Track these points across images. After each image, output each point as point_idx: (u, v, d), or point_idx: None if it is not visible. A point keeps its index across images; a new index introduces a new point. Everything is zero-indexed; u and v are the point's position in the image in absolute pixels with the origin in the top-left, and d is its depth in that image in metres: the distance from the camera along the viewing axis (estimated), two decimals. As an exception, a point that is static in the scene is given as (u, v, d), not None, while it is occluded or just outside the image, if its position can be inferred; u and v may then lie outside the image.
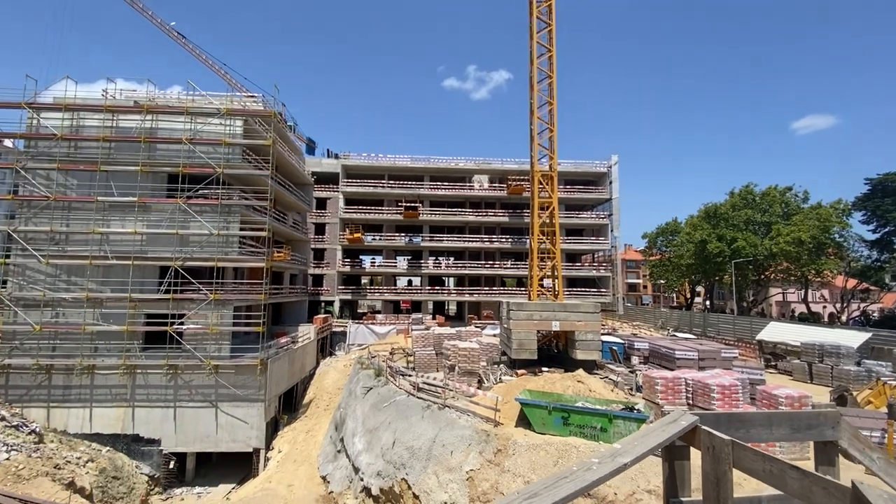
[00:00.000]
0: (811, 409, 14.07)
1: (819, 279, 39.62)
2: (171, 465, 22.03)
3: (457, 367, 16.38)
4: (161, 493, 21.13)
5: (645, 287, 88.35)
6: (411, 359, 21.37)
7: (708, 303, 53.20)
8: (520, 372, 16.81)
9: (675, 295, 75.27)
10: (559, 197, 44.62)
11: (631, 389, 16.50)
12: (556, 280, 20.55)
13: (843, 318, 43.92)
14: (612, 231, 43.65)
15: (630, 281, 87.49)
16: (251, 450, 22.48)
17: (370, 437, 16.13)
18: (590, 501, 9.85)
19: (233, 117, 24.29)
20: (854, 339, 21.35)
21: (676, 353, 17.13)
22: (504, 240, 43.89)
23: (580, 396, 13.12)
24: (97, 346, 22.58)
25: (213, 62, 48.32)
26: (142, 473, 20.88)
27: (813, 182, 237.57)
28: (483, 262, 44.22)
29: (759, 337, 25.26)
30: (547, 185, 20.81)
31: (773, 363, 23.84)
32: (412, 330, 27.08)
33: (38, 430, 15.13)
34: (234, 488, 21.75)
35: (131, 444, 22.06)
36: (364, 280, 55.87)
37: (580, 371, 15.55)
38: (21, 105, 23.10)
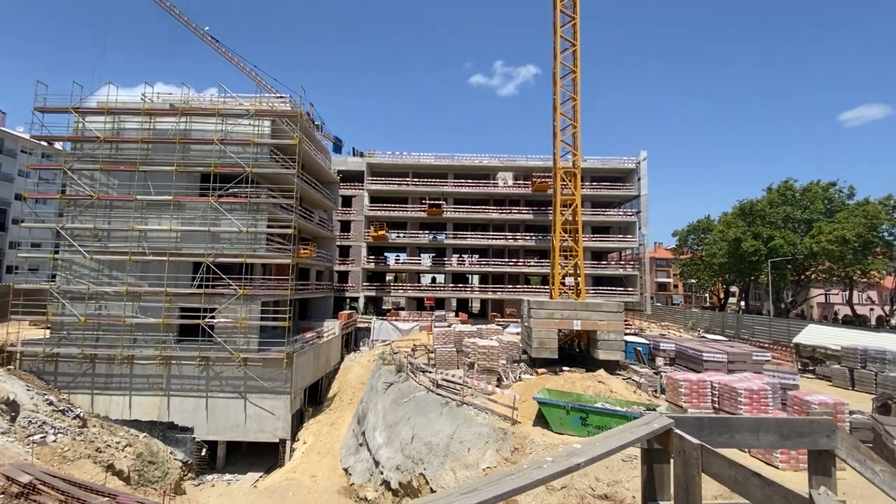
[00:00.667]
0: (848, 416, 13.40)
1: (865, 280, 37.39)
2: (203, 453, 23.03)
3: (476, 365, 16.42)
4: (194, 478, 22.09)
5: (676, 286, 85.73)
6: (432, 355, 21.53)
7: (743, 304, 51.11)
8: (540, 371, 16.69)
9: (708, 295, 72.71)
10: (585, 194, 44.30)
11: (655, 391, 16.11)
12: (579, 278, 20.24)
13: (893, 321, 41.37)
14: (639, 229, 42.56)
15: (660, 280, 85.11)
16: (277, 440, 23.19)
17: (390, 432, 16.40)
18: (607, 503, 9.74)
19: (261, 118, 25.05)
20: (902, 343, 20.12)
21: (704, 355, 16.59)
22: (528, 237, 43.50)
23: (600, 397, 12.93)
24: (136, 337, 23.81)
25: (244, 64, 49.86)
26: (175, 459, 21.93)
27: (862, 177, 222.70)
28: (507, 259, 43.97)
29: (795, 340, 24.14)
30: (570, 181, 20.49)
31: (810, 368, 22.76)
32: (434, 327, 27.27)
33: (82, 414, 16.14)
34: (261, 477, 22.52)
35: (166, 431, 23.18)
36: (389, 277, 56.54)
37: (601, 371, 15.31)
38: (69, 109, 24.56)
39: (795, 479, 10.22)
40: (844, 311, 49.89)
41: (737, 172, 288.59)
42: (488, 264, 43.92)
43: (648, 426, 2.77)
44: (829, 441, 2.95)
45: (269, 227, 24.91)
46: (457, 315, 41.49)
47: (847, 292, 41.35)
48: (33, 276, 37.51)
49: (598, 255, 48.92)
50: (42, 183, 43.37)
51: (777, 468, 10.55)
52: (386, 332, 38.49)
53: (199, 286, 23.65)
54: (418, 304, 48.85)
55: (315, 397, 29.15)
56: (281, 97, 31.17)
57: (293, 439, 23.79)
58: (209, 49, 47.26)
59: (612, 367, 16.94)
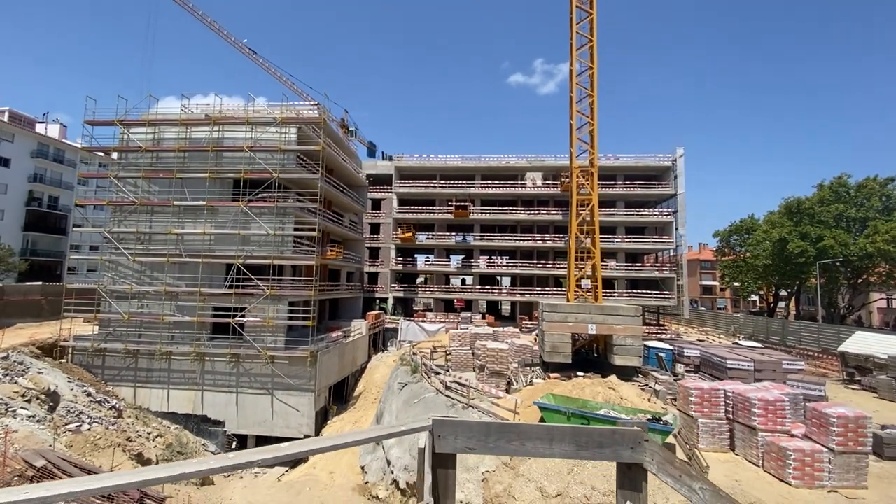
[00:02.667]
0: (881, 430, 12.33)
1: (928, 283, 34.02)
2: (233, 446, 24.16)
3: (486, 368, 16.31)
4: (224, 470, 23.25)
5: (723, 290, 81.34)
6: (450, 357, 21.57)
7: (793, 309, 47.72)
8: (552, 375, 16.32)
9: (757, 299, 68.25)
10: (618, 193, 42.99)
11: (674, 399, 15.38)
12: (596, 281, 19.64)
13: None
14: (676, 229, 40.66)
15: (704, 283, 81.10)
16: (302, 436, 23.93)
17: (401, 432, 16.57)
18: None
19: (287, 125, 26.03)
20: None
21: (728, 362, 15.63)
22: (557, 238, 42.59)
23: (607, 404, 12.50)
24: (174, 334, 25.34)
25: (280, 73, 51.90)
26: (207, 451, 23.15)
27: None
28: (535, 261, 43.28)
29: (841, 348, 22.31)
30: (587, 181, 19.95)
31: (857, 378, 20.98)
32: (458, 328, 27.32)
33: (118, 406, 17.38)
34: (287, 471, 23.31)
35: (200, 423, 24.52)
36: (419, 279, 57.08)
37: (612, 377, 14.78)
38: (115, 122, 26.52)
39: (809, 498, 9.48)
40: (912, 317, 45.54)
41: (793, 171, 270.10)
42: (516, 266, 43.41)
43: (410, 426, 2.61)
44: (633, 454, 2.65)
45: (295, 229, 25.82)
46: (483, 317, 41.28)
47: (911, 297, 37.76)
48: (93, 276, 40.68)
49: (633, 257, 47.23)
50: (100, 191, 47.07)
51: (790, 485, 9.81)
52: (413, 333, 38.87)
53: (231, 286, 24.85)
54: (448, 306, 48.98)
55: (341, 395, 29.86)
56: (310, 104, 32.28)
57: (317, 436, 24.49)
58: (248, 61, 49.63)
59: (628, 374, 16.32)
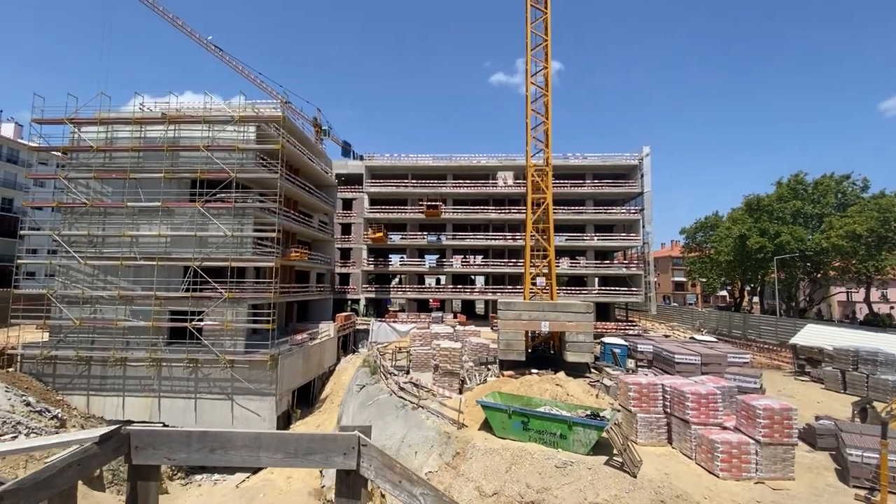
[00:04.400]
0: (810, 422, 12.72)
1: (880, 277, 35.32)
2: (192, 453, 23.56)
3: (439, 367, 16.24)
4: (184, 477, 22.63)
5: (694, 285, 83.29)
6: (411, 357, 21.44)
7: (757, 303, 49.11)
8: (507, 373, 16.38)
9: (727, 294, 70.07)
10: (586, 192, 43.52)
11: (625, 395, 15.58)
12: (550, 279, 19.78)
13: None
14: (643, 227, 41.46)
15: (676, 279, 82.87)
16: (263, 441, 23.50)
17: (355, 434, 16.39)
18: (534, 510, 9.46)
19: (246, 124, 25.49)
20: (902, 345, 18.89)
21: (676, 357, 15.94)
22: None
23: (550, 401, 12.58)
24: (129, 339, 24.53)
25: (248, 72, 51.00)
26: (164, 459, 22.50)
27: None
28: (507, 259, 43.52)
29: (792, 341, 23.03)
30: (542, 180, 20.09)
31: (807, 370, 21.69)
32: (423, 328, 27.16)
33: (60, 415, 16.71)
34: (248, 477, 22.84)
35: (158, 431, 23.83)
36: (394, 280, 56.81)
37: (560, 374, 14.89)
38: (64, 121, 25.53)
39: (735, 490, 9.70)
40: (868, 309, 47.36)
41: (762, 170, 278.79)
42: (488, 265, 43.58)
43: (76, 437, 2.48)
44: (346, 460, 2.54)
45: (255, 230, 25.29)
46: (456, 317, 41.30)
47: (865, 290, 39.21)
48: (46, 280, 39.10)
49: (603, 255, 47.96)
50: (58, 192, 45.19)
51: (718, 476, 10.01)
52: (385, 334, 38.59)
53: (188, 290, 24.19)
54: (422, 306, 48.81)
55: (307, 399, 29.42)
56: (272, 103, 31.65)
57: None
58: (214, 58, 48.52)
59: (581, 370, 16.48)
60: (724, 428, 10.88)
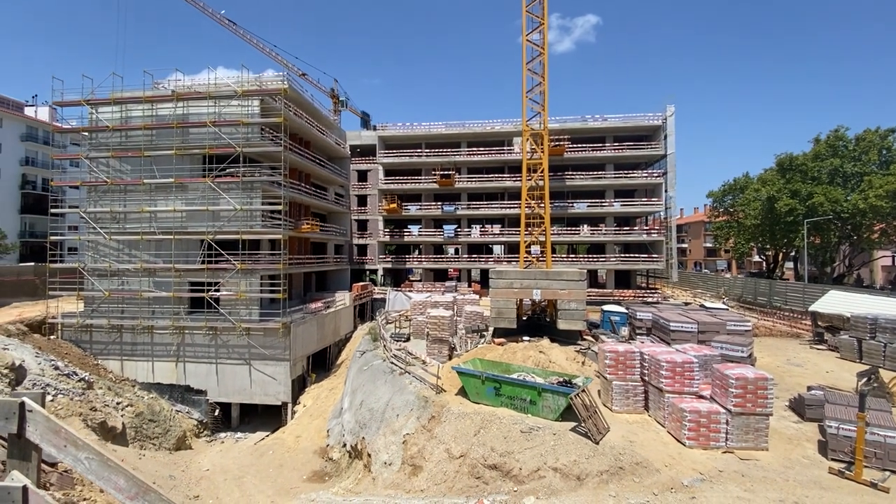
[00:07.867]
0: (802, 392, 12.28)
1: (924, 240, 32.62)
2: (217, 413, 25.33)
3: (429, 335, 16.55)
4: (209, 435, 24.47)
5: (727, 251, 79.86)
6: (411, 325, 21.91)
7: (790, 269, 46.55)
8: (497, 341, 16.51)
9: (763, 261, 66.75)
10: (607, 156, 41.76)
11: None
12: (545, 247, 19.41)
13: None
14: (665, 191, 39.68)
15: (708, 245, 79.54)
16: (280, 403, 24.95)
17: (352, 398, 17.14)
18: (495, 473, 9.73)
19: (250, 97, 25.74)
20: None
21: (671, 325, 15.52)
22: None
23: (528, 367, 12.66)
24: (154, 309, 26.20)
25: (262, 45, 50.99)
26: (190, 418, 24.33)
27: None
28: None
29: (812, 308, 21.92)
30: (538, 144, 19.41)
31: (825, 338, 20.70)
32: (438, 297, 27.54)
33: (87, 378, 18.25)
34: (267, 435, 24.47)
35: (185, 393, 25.65)
36: (415, 250, 57.30)
37: (544, 341, 14.89)
38: (81, 102, 26.58)
39: (700, 458, 9.59)
40: (916, 275, 44.15)
41: (798, 128, 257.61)
42: (503, 234, 43.16)
43: None
44: (7, 424, 2.51)
45: (263, 203, 25.96)
46: (470, 286, 41.54)
47: (909, 254, 36.42)
48: (80, 255, 41.80)
49: (624, 221, 46.41)
50: (82, 171, 47.57)
51: (685, 445, 9.90)
52: (401, 303, 39.39)
53: (203, 262, 25.37)
54: (439, 276, 49.21)
55: (324, 364, 30.79)
56: (281, 76, 31.63)
57: (294, 403, 25.47)
58: (228, 33, 48.66)
59: (573, 337, 16.39)
60: (701, 397, 10.67)
